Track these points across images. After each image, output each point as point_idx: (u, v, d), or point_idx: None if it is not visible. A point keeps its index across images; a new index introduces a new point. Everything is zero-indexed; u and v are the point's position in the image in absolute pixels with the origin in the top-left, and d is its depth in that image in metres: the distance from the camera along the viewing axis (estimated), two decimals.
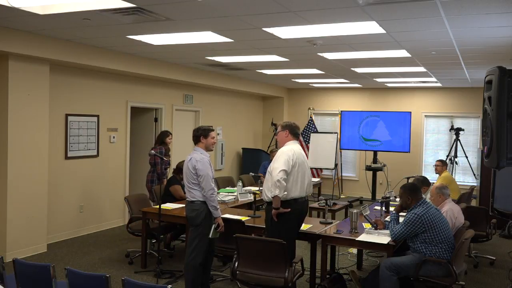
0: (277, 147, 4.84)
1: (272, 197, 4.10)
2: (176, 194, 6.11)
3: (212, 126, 4.78)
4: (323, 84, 10.86)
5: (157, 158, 6.28)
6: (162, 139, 6.63)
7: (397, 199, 4.97)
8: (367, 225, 4.72)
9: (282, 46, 5.95)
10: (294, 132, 4.42)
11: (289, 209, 4.16)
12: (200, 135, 4.52)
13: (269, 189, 4.16)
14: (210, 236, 4.36)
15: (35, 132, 5.95)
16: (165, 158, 6.18)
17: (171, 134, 6.76)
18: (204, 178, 4.32)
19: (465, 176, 10.26)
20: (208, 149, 4.54)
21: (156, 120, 8.49)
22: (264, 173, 5.63)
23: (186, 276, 4.43)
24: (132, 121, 8.01)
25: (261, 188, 4.49)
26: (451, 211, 4.69)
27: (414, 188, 4.37)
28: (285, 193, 4.13)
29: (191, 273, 4.38)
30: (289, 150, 4.24)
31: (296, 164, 4.22)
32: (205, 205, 4.37)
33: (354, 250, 6.04)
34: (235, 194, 6.39)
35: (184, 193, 6.17)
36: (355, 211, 4.62)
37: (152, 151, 5.71)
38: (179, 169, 6.32)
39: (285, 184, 4.11)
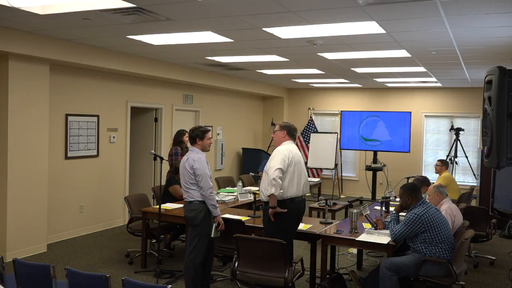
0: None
1: (268, 196, 4.11)
2: (176, 194, 6.10)
3: (211, 126, 4.78)
4: (323, 84, 10.86)
5: (176, 158, 6.33)
6: (179, 138, 6.47)
7: (397, 199, 4.97)
8: (367, 225, 4.73)
9: (282, 46, 5.95)
10: (292, 133, 4.43)
11: (286, 210, 4.16)
12: (196, 136, 4.53)
13: (266, 188, 4.16)
14: (212, 235, 4.38)
15: (35, 132, 5.95)
16: (165, 158, 6.17)
17: (187, 132, 6.64)
18: (203, 177, 4.34)
19: (465, 176, 10.27)
20: (204, 149, 4.55)
21: (156, 120, 8.49)
22: None
23: (186, 276, 4.43)
24: (132, 121, 8.01)
25: (259, 187, 4.49)
26: (450, 210, 4.70)
27: (414, 188, 4.37)
28: (281, 191, 4.13)
29: (191, 273, 4.38)
30: (285, 149, 4.25)
31: (292, 163, 4.23)
32: (203, 204, 4.38)
33: (354, 250, 6.04)
34: (235, 194, 6.39)
35: None
36: (355, 211, 4.62)
37: (152, 151, 5.71)
38: (177, 169, 6.31)
39: (281, 182, 4.12)
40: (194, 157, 4.42)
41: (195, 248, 4.37)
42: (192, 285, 4.38)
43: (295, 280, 3.97)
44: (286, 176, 4.18)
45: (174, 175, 6.34)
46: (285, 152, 4.22)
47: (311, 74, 8.83)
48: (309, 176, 10.33)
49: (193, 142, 4.56)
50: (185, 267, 4.44)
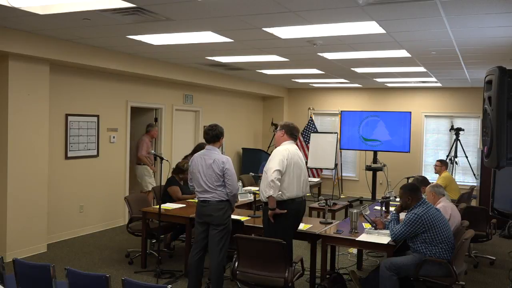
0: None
1: (267, 198, 4.11)
2: (173, 195, 6.10)
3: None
4: (323, 84, 10.86)
5: None
6: (198, 150, 6.42)
7: (397, 199, 4.97)
8: (367, 225, 4.72)
9: (282, 46, 5.95)
10: (291, 133, 4.38)
11: (286, 211, 4.14)
12: (220, 135, 4.49)
13: (265, 190, 4.15)
14: None
15: (35, 132, 5.95)
16: (165, 158, 6.17)
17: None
18: (232, 177, 4.35)
19: (465, 176, 10.27)
20: (219, 147, 4.55)
21: (156, 120, 8.49)
22: None
23: (215, 278, 4.37)
24: (132, 121, 8.01)
25: (259, 187, 4.49)
26: (444, 208, 4.70)
27: (414, 188, 4.37)
28: (280, 193, 4.12)
29: (222, 274, 4.40)
30: (284, 150, 4.23)
31: (291, 163, 4.20)
32: (227, 202, 4.40)
33: (354, 250, 6.04)
34: (237, 196, 6.38)
35: (182, 194, 6.17)
36: (355, 211, 4.62)
37: (152, 151, 5.70)
38: (179, 169, 6.32)
39: (279, 184, 4.10)
40: (222, 158, 4.39)
41: (224, 247, 4.38)
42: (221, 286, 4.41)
43: (295, 280, 3.97)
44: (285, 177, 4.16)
45: (174, 175, 6.33)
46: (283, 153, 4.20)
47: (311, 74, 8.83)
48: (309, 176, 10.35)
49: (215, 141, 4.47)
50: (215, 270, 4.36)
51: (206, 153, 4.46)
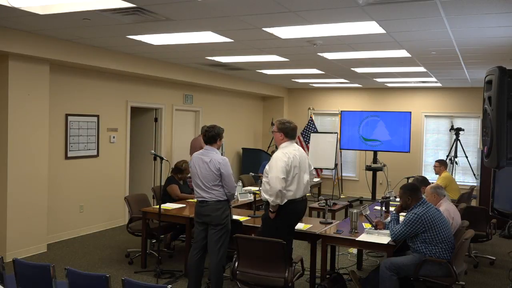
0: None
1: (273, 205, 4.09)
2: (173, 194, 6.11)
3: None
4: (323, 84, 10.86)
5: None
6: None
7: (397, 199, 4.97)
8: (367, 225, 4.72)
9: (282, 46, 5.96)
10: (290, 134, 4.32)
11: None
12: (217, 136, 4.50)
13: (267, 193, 4.12)
14: None
15: (35, 132, 5.95)
16: (165, 159, 6.17)
17: None
18: (229, 178, 4.37)
19: (465, 176, 10.27)
20: (218, 148, 4.56)
21: (156, 120, 8.50)
22: None
23: (214, 278, 4.38)
24: (132, 121, 8.01)
25: (261, 188, 4.48)
26: (447, 212, 4.68)
27: (414, 188, 4.37)
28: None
29: (221, 274, 4.40)
30: (284, 155, 4.15)
31: (291, 167, 4.15)
32: (225, 202, 4.42)
33: (354, 250, 6.04)
34: (235, 194, 6.38)
35: (181, 192, 6.19)
36: (355, 211, 4.62)
37: (152, 151, 5.70)
38: (178, 168, 6.33)
39: (285, 192, 4.09)
40: (219, 159, 4.40)
41: (222, 247, 4.39)
42: (218, 286, 4.40)
43: (295, 280, 3.97)
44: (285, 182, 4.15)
45: (173, 174, 6.34)
46: (284, 158, 4.13)
47: (311, 74, 8.83)
48: None
49: (212, 142, 4.49)
50: (215, 269, 4.37)
51: (204, 153, 4.49)
